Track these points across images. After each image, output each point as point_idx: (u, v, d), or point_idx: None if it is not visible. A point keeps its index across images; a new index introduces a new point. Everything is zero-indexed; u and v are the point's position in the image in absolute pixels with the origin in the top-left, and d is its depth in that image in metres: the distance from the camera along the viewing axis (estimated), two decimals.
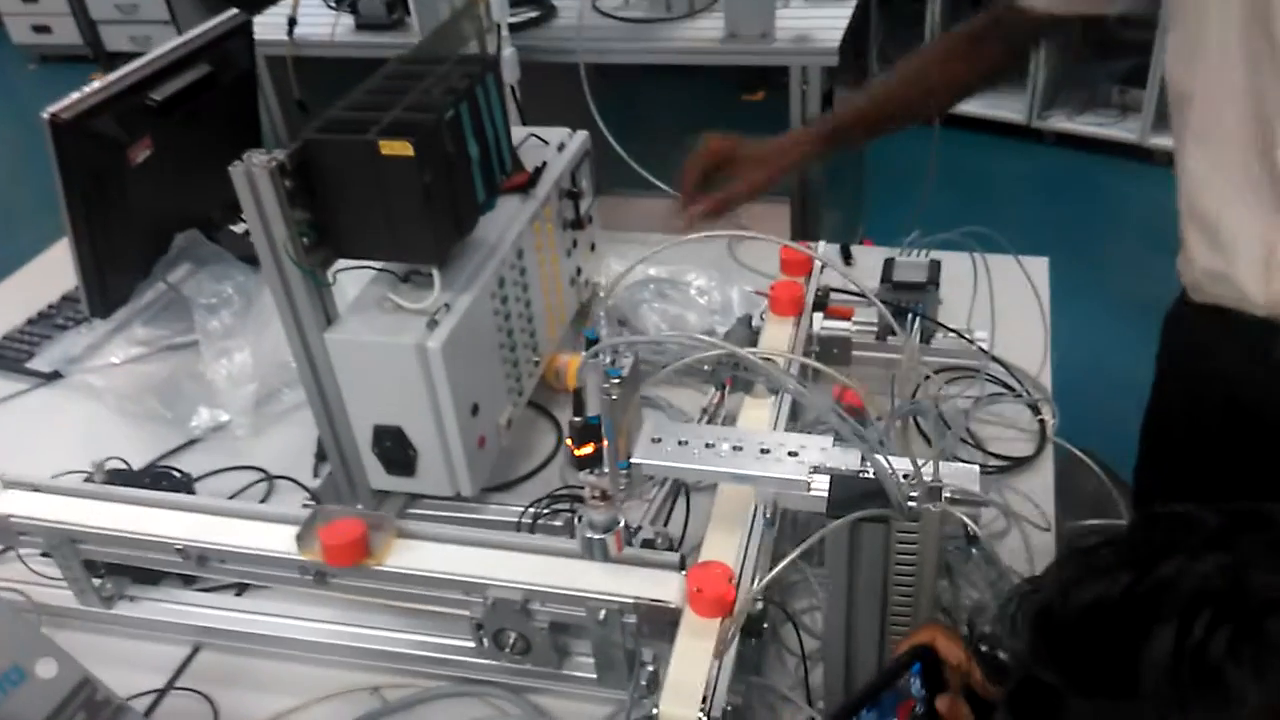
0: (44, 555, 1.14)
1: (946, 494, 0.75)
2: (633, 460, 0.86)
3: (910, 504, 0.74)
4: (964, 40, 1.29)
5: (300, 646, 1.10)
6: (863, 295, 1.06)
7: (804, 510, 0.90)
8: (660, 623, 0.92)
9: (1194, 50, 0.98)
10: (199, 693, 1.08)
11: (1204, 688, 0.44)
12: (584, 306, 1.50)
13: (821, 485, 0.81)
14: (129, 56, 1.49)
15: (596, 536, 0.91)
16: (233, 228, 1.71)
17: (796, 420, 1.23)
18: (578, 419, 0.83)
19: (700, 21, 2.30)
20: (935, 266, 1.34)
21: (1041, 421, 1.30)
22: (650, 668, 0.95)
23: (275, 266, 1.07)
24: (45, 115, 1.30)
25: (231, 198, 1.36)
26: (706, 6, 2.33)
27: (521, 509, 1.21)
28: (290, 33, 2.34)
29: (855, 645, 0.85)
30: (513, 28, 2.13)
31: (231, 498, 1.32)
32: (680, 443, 0.86)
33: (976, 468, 0.78)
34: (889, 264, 1.35)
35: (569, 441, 0.84)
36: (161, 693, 1.08)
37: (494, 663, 1.03)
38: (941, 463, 0.75)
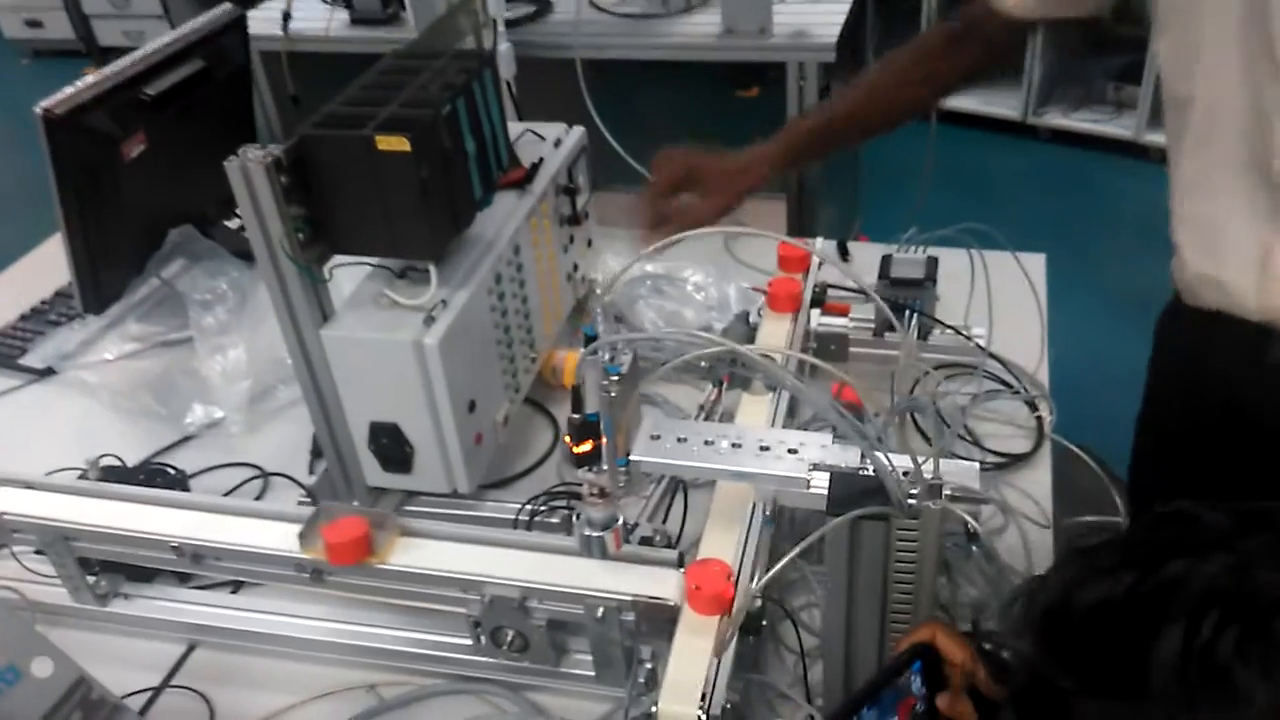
0: (38, 553, 1.13)
1: (947, 491, 0.74)
2: (631, 458, 0.85)
3: (910, 501, 0.74)
4: (932, 49, 1.26)
5: (296, 644, 1.09)
6: (862, 292, 1.06)
7: (803, 508, 0.89)
8: (658, 620, 0.92)
9: (1189, 56, 0.97)
10: (195, 691, 1.07)
11: (1212, 688, 0.44)
12: (580, 303, 1.49)
13: (821, 483, 0.81)
14: (122, 51, 1.48)
15: (595, 534, 0.91)
16: (227, 223, 1.71)
17: (794, 417, 1.23)
18: (576, 416, 0.82)
19: (697, 17, 2.30)
20: (933, 263, 1.34)
21: (1039, 418, 1.29)
22: (648, 665, 0.95)
23: (271, 263, 1.06)
24: (39, 110, 1.29)
25: (226, 193, 1.35)
26: (703, 2, 2.32)
27: (519, 506, 1.21)
28: (285, 27, 2.33)
29: (855, 643, 0.84)
30: (509, 23, 2.13)
31: (226, 495, 1.31)
32: (679, 440, 0.86)
33: (976, 465, 0.78)
34: (886, 260, 1.35)
35: (567, 439, 0.84)
36: (157, 691, 1.07)
37: (491, 660, 1.02)
38: (941, 460, 0.75)
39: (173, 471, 1.31)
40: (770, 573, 0.76)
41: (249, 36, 1.68)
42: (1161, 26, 1.01)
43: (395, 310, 1.11)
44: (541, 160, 1.36)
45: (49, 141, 1.31)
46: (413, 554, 0.98)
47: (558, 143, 1.43)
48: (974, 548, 0.88)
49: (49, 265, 1.75)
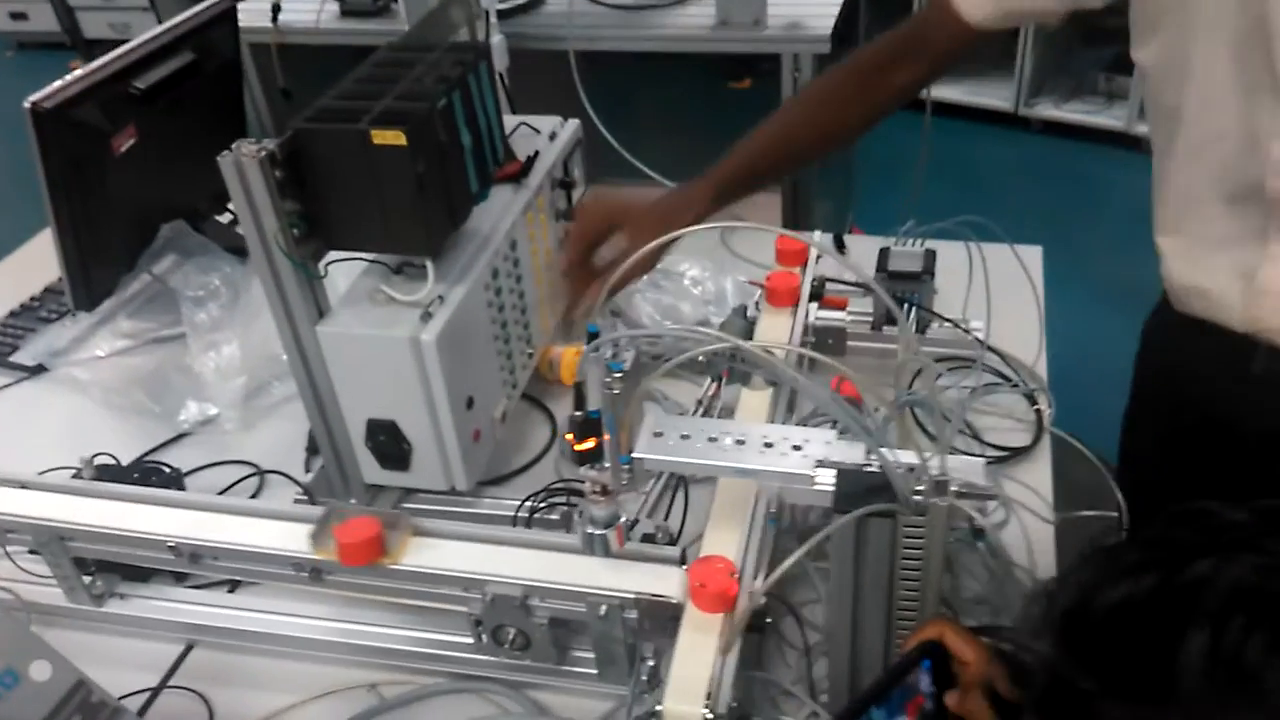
0: (32, 552, 1.12)
1: (953, 488, 0.74)
2: (635, 455, 0.85)
3: (916, 498, 0.74)
4: (872, 66, 1.20)
5: (295, 644, 1.08)
6: (863, 286, 1.05)
7: (808, 504, 0.89)
8: (661, 618, 0.91)
9: (1178, 68, 0.94)
10: (193, 691, 1.07)
11: (1241, 690, 0.43)
12: None
13: (826, 479, 0.80)
14: (107, 43, 1.46)
15: (597, 532, 0.90)
16: (219, 218, 1.69)
17: (793, 411, 1.22)
18: (579, 414, 0.82)
19: (691, 9, 2.28)
20: (930, 256, 1.33)
21: (1038, 411, 1.29)
22: (650, 663, 0.94)
23: (265, 258, 1.05)
24: (27, 104, 1.27)
25: (218, 188, 1.33)
26: None
27: (518, 503, 1.20)
28: (274, 19, 2.31)
29: (860, 640, 0.84)
30: (501, 14, 2.11)
31: (222, 492, 1.30)
32: (682, 436, 0.85)
33: (982, 461, 0.78)
34: (884, 253, 1.34)
35: (570, 436, 0.83)
36: (155, 691, 1.07)
37: (493, 659, 1.02)
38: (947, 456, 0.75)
39: (168, 470, 1.30)
40: (778, 571, 0.75)
41: (239, 29, 1.66)
42: (1146, 32, 0.97)
43: (392, 306, 1.10)
44: (537, 153, 1.35)
45: (37, 136, 1.29)
46: (424, 554, 0.97)
47: (553, 136, 1.42)
48: (980, 543, 0.87)
49: (38, 261, 1.73)
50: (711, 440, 0.84)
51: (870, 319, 1.36)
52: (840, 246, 1.67)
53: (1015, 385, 1.32)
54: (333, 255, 1.12)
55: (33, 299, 1.69)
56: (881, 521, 0.75)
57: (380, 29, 2.31)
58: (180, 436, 1.41)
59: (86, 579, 1.11)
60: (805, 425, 1.25)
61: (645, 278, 1.49)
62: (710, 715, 0.78)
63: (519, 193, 1.29)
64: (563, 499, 1.21)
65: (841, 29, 2.16)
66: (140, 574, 1.14)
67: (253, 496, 1.31)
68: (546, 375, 1.39)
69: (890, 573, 0.78)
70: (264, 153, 0.98)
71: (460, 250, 1.17)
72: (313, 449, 1.33)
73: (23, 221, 1.80)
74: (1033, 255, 1.48)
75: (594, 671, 1.00)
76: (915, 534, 0.75)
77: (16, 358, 1.57)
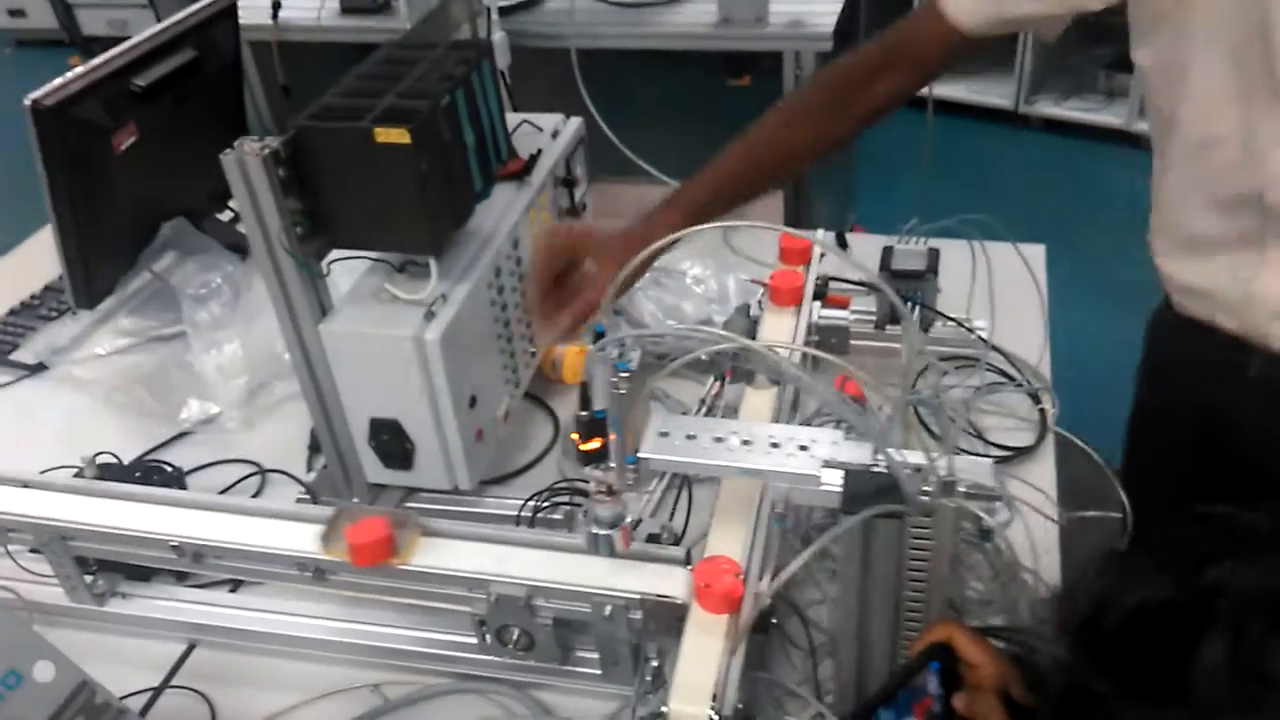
0: (33, 551, 1.11)
1: (961, 488, 0.74)
2: (640, 455, 0.84)
3: (924, 499, 0.73)
4: (850, 80, 1.14)
5: (298, 643, 1.08)
6: (870, 286, 1.04)
7: (815, 505, 0.88)
8: (666, 619, 0.91)
9: (1176, 74, 0.93)
10: (195, 691, 1.06)
11: (1260, 695, 0.43)
12: None
13: (832, 480, 0.80)
14: (106, 40, 1.46)
15: (603, 532, 0.90)
16: (219, 216, 1.69)
17: (797, 411, 1.22)
18: (584, 413, 0.81)
19: (693, 6, 2.28)
20: (934, 255, 1.33)
21: (1042, 411, 1.29)
22: (654, 663, 0.94)
23: (269, 257, 1.05)
24: (28, 102, 1.27)
25: (218, 185, 1.32)
26: None
27: (520, 502, 1.20)
28: (274, 16, 2.30)
29: (867, 641, 0.84)
30: (502, 11, 2.11)
31: (224, 491, 1.30)
32: (688, 437, 0.85)
33: (989, 461, 0.77)
34: (888, 252, 1.34)
35: (575, 436, 0.82)
36: (157, 691, 1.06)
37: (496, 659, 1.01)
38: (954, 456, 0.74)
39: (169, 469, 1.29)
40: (786, 573, 0.75)
41: (240, 26, 1.66)
42: (1144, 34, 0.96)
43: (395, 305, 1.10)
44: (540, 151, 1.34)
45: (38, 133, 1.29)
46: (433, 554, 0.96)
47: (555, 134, 1.41)
48: (987, 545, 0.87)
49: (37, 259, 1.73)
50: (718, 440, 0.84)
51: (873, 318, 1.36)
52: (842, 245, 1.66)
53: (1019, 385, 1.32)
54: (335, 254, 1.11)
55: (33, 297, 1.69)
56: (889, 522, 0.75)
57: (381, 26, 2.30)
58: (181, 435, 1.40)
59: (88, 578, 1.11)
60: (809, 425, 1.25)
61: (647, 275, 1.49)
62: (716, 717, 0.77)
63: (522, 191, 1.28)
64: (565, 498, 1.21)
65: (843, 27, 2.15)
66: (142, 573, 1.14)
67: (254, 496, 1.30)
68: (549, 374, 1.39)
69: (897, 574, 0.78)
70: (267, 151, 0.98)
71: (463, 249, 1.17)
72: (315, 448, 1.33)
73: (22, 219, 1.79)
74: (1035, 254, 1.47)
75: (598, 672, 1.00)
76: (923, 535, 0.75)
77: (16, 356, 1.57)
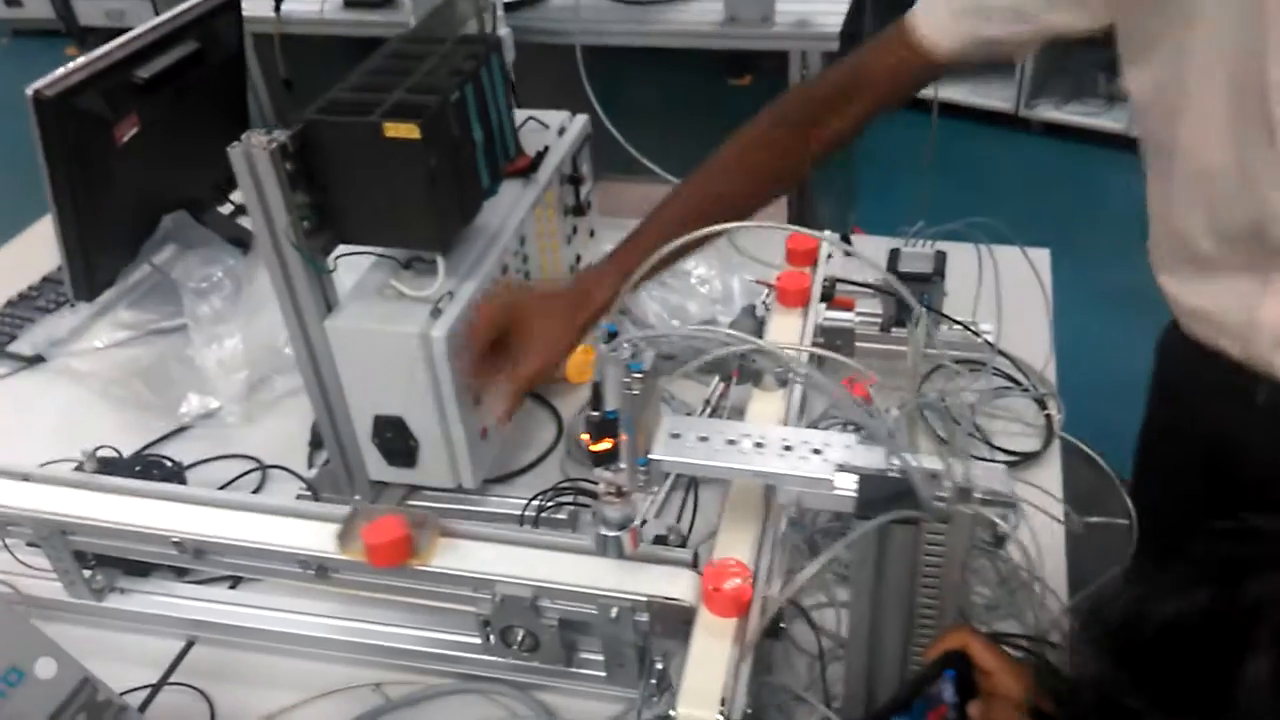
0: (31, 545, 1.10)
1: (976, 495, 0.73)
2: (652, 457, 0.83)
3: (939, 505, 0.73)
4: (811, 109, 1.11)
5: (299, 641, 1.07)
6: (889, 290, 1.03)
7: (828, 509, 0.88)
8: (673, 621, 0.90)
9: (1171, 107, 0.89)
10: (194, 688, 1.05)
11: None
12: None
13: (845, 484, 0.79)
14: (103, 31, 1.45)
15: (611, 534, 0.89)
16: (220, 209, 1.68)
17: (804, 413, 1.21)
18: (595, 414, 0.80)
19: (698, 4, 2.27)
20: (941, 257, 1.32)
21: (1048, 416, 1.28)
22: (659, 665, 0.93)
23: (274, 251, 1.04)
24: (29, 92, 1.26)
25: (220, 178, 1.30)
26: None
27: (524, 501, 1.19)
28: (277, 9, 2.28)
29: (879, 648, 0.83)
30: (507, 7, 2.09)
31: (224, 487, 1.29)
32: (700, 438, 0.84)
33: (1003, 467, 0.77)
34: (894, 254, 1.33)
35: (585, 436, 0.82)
36: (156, 688, 1.05)
37: (500, 659, 1.00)
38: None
39: (169, 463, 1.28)
40: (802, 577, 0.74)
41: (243, 18, 1.65)
42: (1136, 62, 0.93)
43: (401, 301, 1.09)
44: (546, 149, 1.34)
45: (39, 124, 1.28)
46: (450, 556, 0.95)
47: (561, 131, 1.41)
48: (1001, 551, 0.87)
49: (35, 251, 1.72)
50: (730, 442, 0.83)
51: (879, 320, 1.35)
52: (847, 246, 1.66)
53: (1025, 389, 1.31)
54: (341, 249, 1.10)
55: (31, 288, 1.67)
56: (904, 528, 0.74)
57: (384, 20, 2.29)
58: (181, 429, 1.39)
59: (87, 573, 1.10)
60: (816, 427, 1.24)
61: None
62: None
63: (528, 188, 1.28)
64: (570, 498, 1.20)
65: (848, 27, 2.15)
66: (140, 569, 1.13)
67: (255, 491, 1.29)
68: (552, 373, 1.38)
69: (911, 580, 0.77)
70: (275, 144, 0.97)
71: (470, 245, 1.16)
72: (316, 444, 1.32)
73: (19, 210, 1.78)
74: (1040, 258, 1.47)
75: (602, 674, 1.00)
76: (938, 541, 0.74)
77: (14, 347, 1.56)
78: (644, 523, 1.07)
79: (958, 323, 1.31)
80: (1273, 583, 0.45)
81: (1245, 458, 1.02)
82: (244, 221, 1.65)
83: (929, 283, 1.31)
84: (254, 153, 0.97)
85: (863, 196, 3.32)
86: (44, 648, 0.76)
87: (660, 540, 0.98)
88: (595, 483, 1.18)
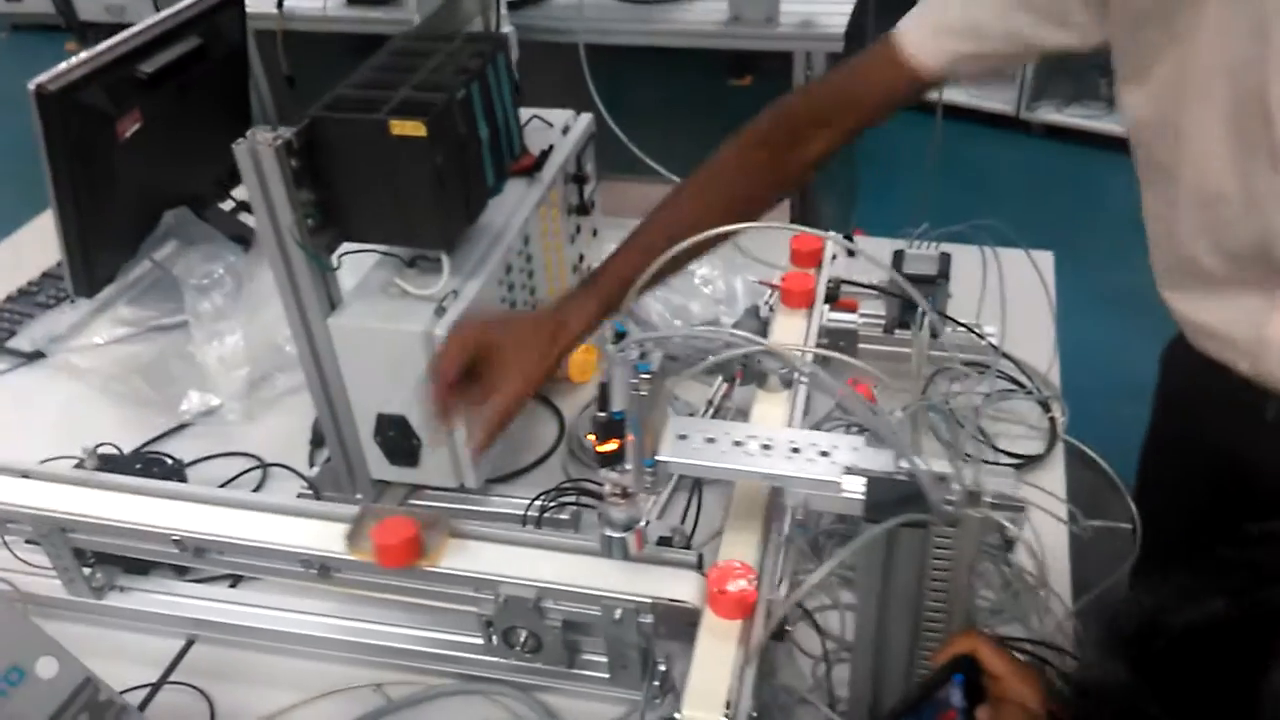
0: (30, 542, 1.10)
1: (986, 498, 0.73)
2: (659, 458, 0.83)
3: (948, 508, 0.72)
4: (786, 135, 1.08)
5: (299, 640, 1.07)
6: (895, 291, 1.02)
7: (835, 512, 0.87)
8: (677, 623, 0.90)
9: (1172, 126, 0.88)
10: (194, 687, 1.05)
11: None
12: None
13: (853, 487, 0.79)
14: (103, 27, 1.44)
15: (616, 535, 0.88)
16: (221, 205, 1.67)
17: (807, 415, 1.21)
18: (602, 414, 0.80)
19: (703, 4, 2.27)
20: (945, 259, 1.32)
21: (1051, 419, 1.28)
22: (662, 667, 0.93)
23: (278, 248, 1.03)
24: (32, 86, 1.25)
25: (222, 174, 1.29)
26: None
27: (527, 501, 1.19)
28: (279, 5, 2.27)
29: (885, 652, 0.83)
30: (510, 5, 2.09)
31: (224, 485, 1.28)
32: (707, 440, 0.83)
33: (1011, 471, 0.76)
34: (899, 256, 1.33)
35: (592, 437, 0.81)
36: (155, 687, 1.04)
37: (502, 660, 1.00)
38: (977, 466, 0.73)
39: (169, 461, 1.28)
40: (810, 582, 0.74)
41: (246, 14, 1.64)
42: (1133, 83, 0.91)
43: (405, 300, 1.09)
44: (551, 147, 1.33)
45: (42, 119, 1.27)
46: (460, 557, 0.95)
47: (566, 129, 1.40)
48: (1010, 555, 0.86)
49: (34, 246, 1.71)
50: (737, 444, 0.83)
51: (882, 322, 1.35)
52: (848, 249, 1.65)
53: (1029, 392, 1.31)
54: (344, 247, 1.10)
55: (30, 284, 1.67)
56: (912, 532, 0.73)
57: (387, 18, 2.29)
58: (181, 427, 1.39)
59: (86, 571, 1.09)
60: (819, 428, 1.24)
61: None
62: None
63: (533, 187, 1.27)
64: (572, 498, 1.19)
65: (850, 29, 2.14)
66: (140, 567, 1.12)
67: (255, 490, 1.29)
68: (554, 373, 1.37)
69: (919, 584, 0.77)
70: (280, 141, 0.96)
71: (474, 244, 1.15)
72: (317, 442, 1.32)
73: (18, 206, 1.78)
74: (1044, 260, 1.47)
75: (605, 675, 0.99)
76: (946, 544, 0.74)
77: (13, 343, 1.55)
78: (646, 524, 1.07)
79: (962, 325, 1.31)
80: None
81: (1254, 472, 1.00)
82: (245, 218, 1.64)
83: (933, 285, 1.30)
84: (259, 149, 0.96)
85: (861, 197, 3.32)
86: (45, 647, 0.76)
87: (664, 541, 0.97)
88: (598, 483, 1.18)
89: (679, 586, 0.90)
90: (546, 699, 1.01)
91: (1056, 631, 0.99)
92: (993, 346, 1.29)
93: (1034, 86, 3.79)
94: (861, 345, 1.35)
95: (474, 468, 1.14)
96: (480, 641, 1.00)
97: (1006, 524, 0.71)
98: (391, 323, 1.06)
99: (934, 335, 1.29)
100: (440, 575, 0.94)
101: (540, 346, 1.01)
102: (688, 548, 0.99)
